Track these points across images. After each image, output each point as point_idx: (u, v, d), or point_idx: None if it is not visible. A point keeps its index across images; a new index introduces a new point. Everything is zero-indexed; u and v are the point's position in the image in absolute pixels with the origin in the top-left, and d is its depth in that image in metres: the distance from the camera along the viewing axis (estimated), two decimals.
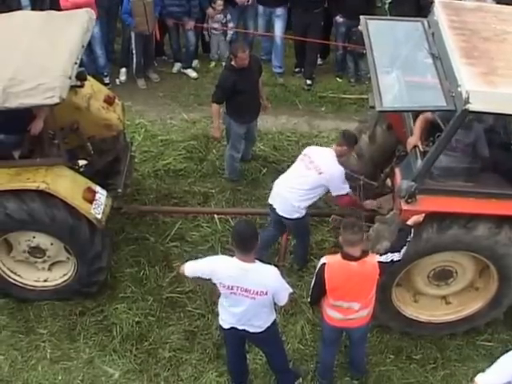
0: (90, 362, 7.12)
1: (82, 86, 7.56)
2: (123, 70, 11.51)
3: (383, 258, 5.96)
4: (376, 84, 6.26)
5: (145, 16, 10.53)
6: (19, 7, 10.46)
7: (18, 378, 6.96)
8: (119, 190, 7.74)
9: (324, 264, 5.95)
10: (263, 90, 9.25)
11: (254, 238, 5.69)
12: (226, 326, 6.16)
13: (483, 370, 5.89)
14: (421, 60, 6.65)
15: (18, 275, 7.50)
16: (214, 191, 9.07)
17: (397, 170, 6.77)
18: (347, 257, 5.86)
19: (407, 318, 7.16)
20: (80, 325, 7.42)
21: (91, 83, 7.95)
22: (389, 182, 7.58)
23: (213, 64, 11.88)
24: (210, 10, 11.36)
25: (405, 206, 6.31)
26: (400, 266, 6.57)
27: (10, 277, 7.47)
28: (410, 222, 6.20)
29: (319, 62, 12.00)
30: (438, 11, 6.79)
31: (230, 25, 11.48)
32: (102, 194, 7.18)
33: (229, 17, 11.43)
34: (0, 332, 7.34)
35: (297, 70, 11.87)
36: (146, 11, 10.50)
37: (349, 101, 11.19)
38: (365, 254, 5.90)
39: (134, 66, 11.26)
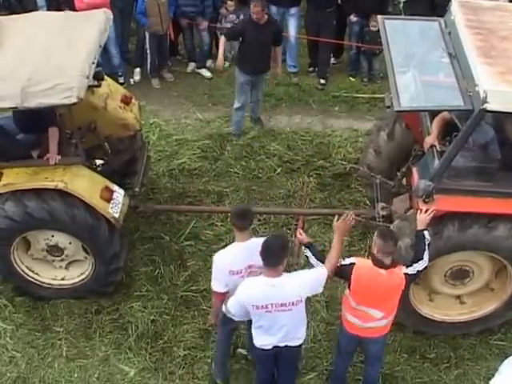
0: (105, 359, 7.18)
1: (99, 86, 7.60)
2: (137, 69, 11.58)
3: (410, 270, 5.88)
4: (393, 84, 6.25)
5: (159, 16, 10.60)
6: (35, 8, 10.55)
7: (35, 375, 7.04)
8: (136, 189, 7.79)
9: (353, 264, 5.85)
10: (279, 60, 9.99)
11: (283, 252, 5.61)
12: (267, 347, 6.00)
13: (496, 369, 5.93)
14: (438, 59, 6.64)
15: (36, 273, 7.57)
16: (228, 190, 9.10)
17: (414, 170, 6.78)
18: (378, 264, 5.75)
19: (422, 317, 7.17)
20: (96, 323, 7.48)
21: (108, 83, 8.00)
22: (405, 181, 7.58)
23: (227, 64, 11.88)
24: (223, 10, 11.42)
25: (422, 206, 6.31)
26: None
27: (27, 275, 7.53)
28: (420, 227, 6.15)
29: (333, 61, 12.02)
30: (455, 10, 6.78)
31: None
32: (119, 193, 7.22)
33: (241, 17, 11.45)
34: (17, 330, 7.42)
35: (310, 69, 11.89)
36: (161, 11, 10.57)
37: (362, 100, 11.20)
38: (394, 263, 5.80)
39: (149, 65, 11.33)
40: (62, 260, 7.52)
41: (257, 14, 9.16)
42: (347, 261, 5.93)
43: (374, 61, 11.52)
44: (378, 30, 10.85)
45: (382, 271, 5.75)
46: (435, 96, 6.46)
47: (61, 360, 7.17)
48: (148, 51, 11.14)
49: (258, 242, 5.82)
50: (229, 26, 11.43)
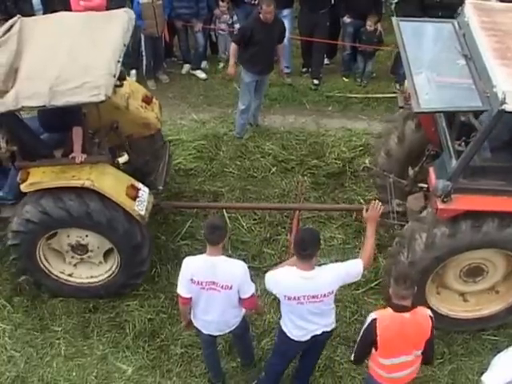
0: (103, 358, 7.24)
1: (121, 86, 7.59)
2: (133, 71, 11.63)
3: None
4: (412, 85, 6.24)
5: (154, 18, 10.67)
6: (31, 11, 10.61)
7: (34, 374, 7.09)
8: (160, 188, 7.86)
9: (375, 319, 5.60)
10: (283, 57, 10.28)
11: (316, 245, 5.67)
12: (306, 337, 6.04)
13: (489, 364, 6.00)
14: (453, 61, 6.62)
15: (48, 262, 7.54)
16: (223, 190, 9.18)
17: (431, 170, 6.80)
18: (399, 308, 5.56)
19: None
20: (93, 322, 7.55)
21: (129, 83, 8.03)
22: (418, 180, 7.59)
23: (221, 65, 12.00)
24: (217, 11, 11.50)
25: (441, 205, 6.36)
26: (450, 254, 6.66)
27: (41, 262, 7.47)
28: None
29: (326, 61, 12.09)
30: (469, 12, 6.76)
31: (237, 25, 11.54)
32: (144, 191, 7.28)
33: (235, 18, 11.55)
34: (16, 330, 7.47)
35: (304, 70, 11.97)
36: (156, 13, 10.63)
37: (355, 100, 11.28)
38: (414, 306, 5.63)
39: (144, 67, 11.43)
40: (81, 259, 7.55)
41: (270, 13, 9.19)
42: (367, 320, 5.73)
43: (368, 61, 11.60)
44: (374, 30, 11.09)
45: (406, 314, 5.55)
46: (453, 97, 6.42)
47: (59, 359, 7.23)
48: (143, 53, 11.24)
49: (226, 262, 5.89)
50: (223, 26, 11.57)
